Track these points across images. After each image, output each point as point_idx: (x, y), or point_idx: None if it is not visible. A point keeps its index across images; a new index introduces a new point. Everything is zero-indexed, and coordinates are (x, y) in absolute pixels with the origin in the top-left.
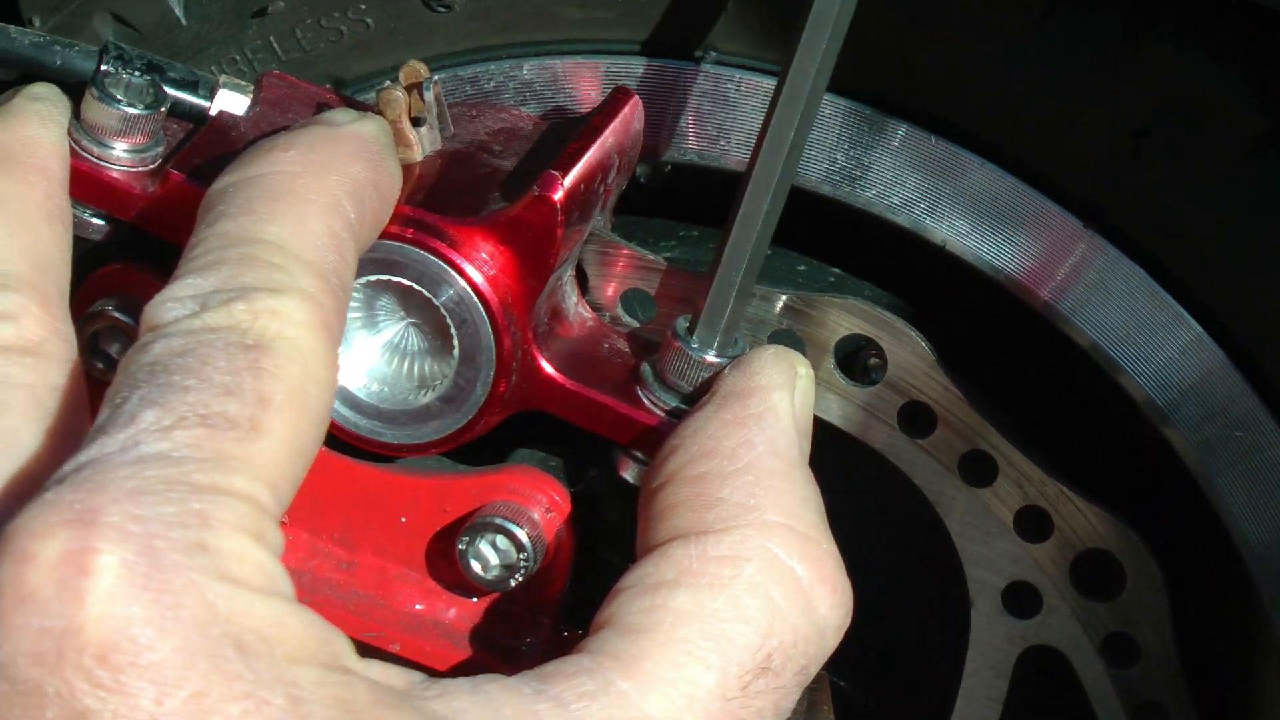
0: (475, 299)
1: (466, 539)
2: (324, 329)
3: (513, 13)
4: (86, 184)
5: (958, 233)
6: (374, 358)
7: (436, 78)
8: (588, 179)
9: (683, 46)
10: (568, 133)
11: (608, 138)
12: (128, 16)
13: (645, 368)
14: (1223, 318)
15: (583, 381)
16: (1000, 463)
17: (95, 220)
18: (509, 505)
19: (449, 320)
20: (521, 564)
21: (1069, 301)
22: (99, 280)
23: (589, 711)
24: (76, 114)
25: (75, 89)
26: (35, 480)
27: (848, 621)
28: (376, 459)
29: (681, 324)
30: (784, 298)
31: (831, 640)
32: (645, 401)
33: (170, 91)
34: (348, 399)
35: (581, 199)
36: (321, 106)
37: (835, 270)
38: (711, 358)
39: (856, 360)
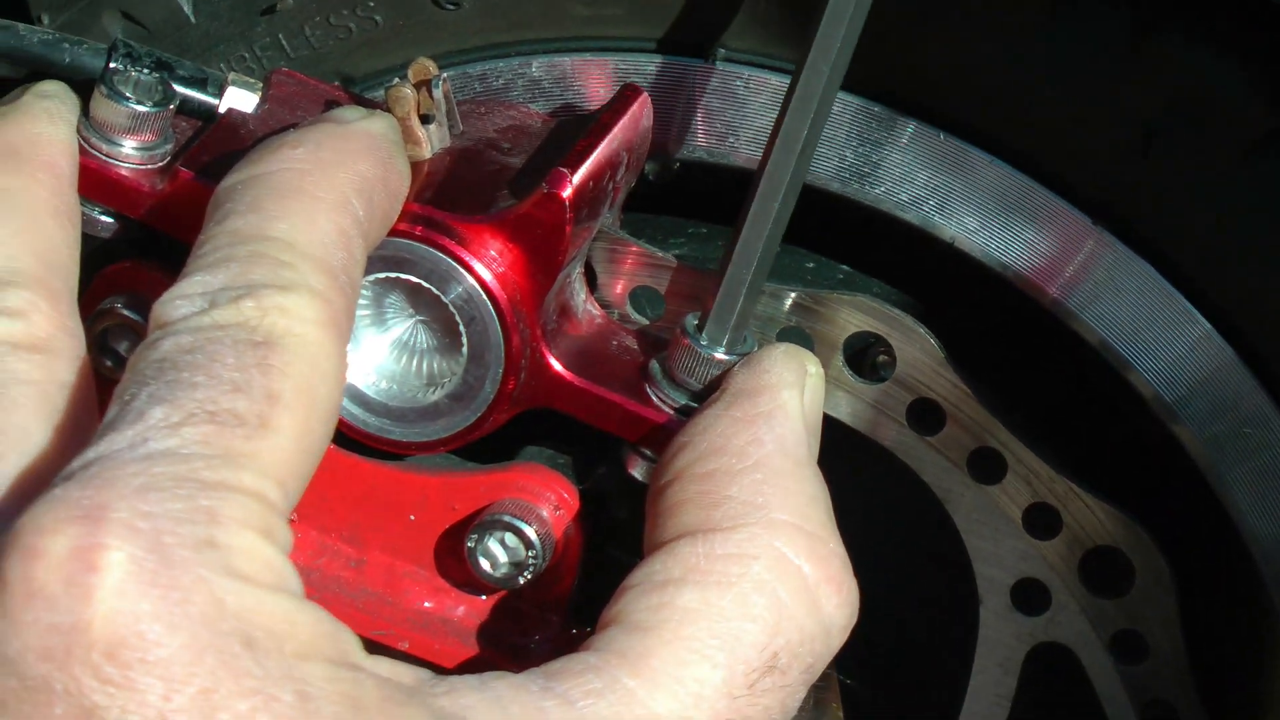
0: (484, 296)
1: (475, 536)
2: (332, 326)
3: (521, 10)
4: (95, 181)
5: (967, 230)
6: (383, 355)
7: (445, 75)
8: (596, 176)
9: (692, 43)
10: (576, 130)
11: (616, 135)
12: (137, 14)
13: (654, 365)
14: (1232, 314)
15: (591, 379)
16: (1009, 460)
17: (104, 218)
18: (518, 503)
19: (458, 318)
20: (530, 561)
21: (1078, 298)
22: (108, 278)
23: (596, 709)
24: (85, 111)
25: (84, 86)
26: (44, 477)
27: (853, 621)
28: (385, 457)
29: (691, 321)
30: (793, 295)
31: (837, 639)
32: (654, 399)
33: (179, 89)
34: (356, 396)
35: (590, 196)
36: (330, 104)
37: (844, 267)
38: (721, 355)
39: (865, 357)
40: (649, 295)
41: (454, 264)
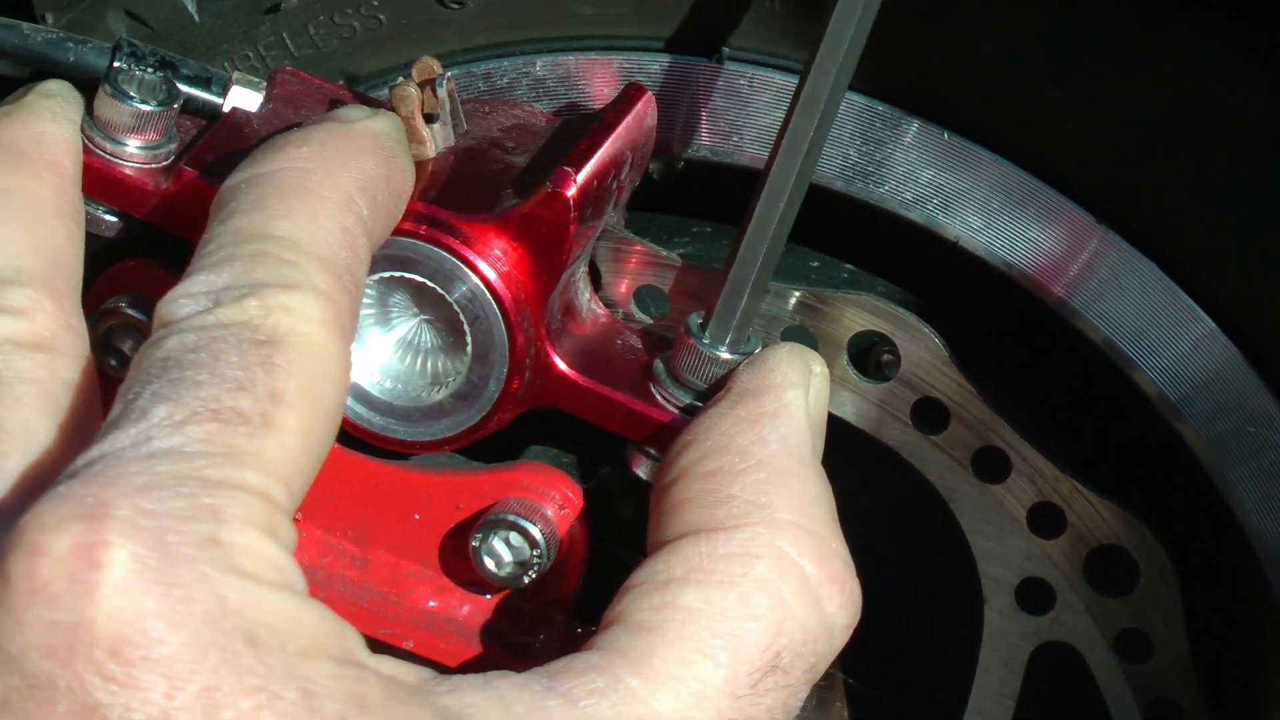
0: (488, 295)
1: (480, 536)
2: (336, 325)
3: (525, 8)
4: (99, 180)
5: (971, 229)
6: (387, 354)
7: (449, 74)
8: (601, 175)
9: (696, 42)
10: (581, 129)
11: (621, 134)
12: (141, 13)
13: (658, 364)
14: (1235, 313)
15: (596, 378)
16: (1013, 459)
17: (108, 217)
18: (522, 502)
19: (462, 317)
20: (535, 561)
21: (1082, 297)
22: (112, 277)
23: (598, 709)
24: (89, 110)
25: (88, 85)
26: (47, 475)
27: (855, 621)
28: (390, 456)
29: (695, 320)
30: (797, 294)
31: (839, 639)
32: (658, 398)
33: (183, 88)
34: (360, 395)
35: (595, 195)
36: (334, 103)
37: (848, 266)
38: (725, 354)
39: (870, 356)
40: (653, 294)
41: (458, 263)
